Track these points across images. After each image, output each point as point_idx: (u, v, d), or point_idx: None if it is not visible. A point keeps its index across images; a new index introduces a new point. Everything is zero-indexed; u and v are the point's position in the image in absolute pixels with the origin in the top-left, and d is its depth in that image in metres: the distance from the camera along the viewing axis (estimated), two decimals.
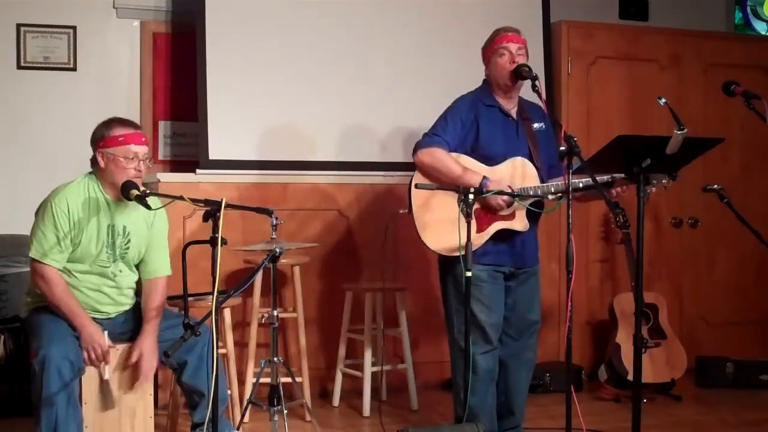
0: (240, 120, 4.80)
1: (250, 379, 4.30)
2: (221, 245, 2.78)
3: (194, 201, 3.03)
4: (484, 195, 3.42)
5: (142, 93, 5.10)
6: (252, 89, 4.83)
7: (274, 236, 3.75)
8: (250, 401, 3.79)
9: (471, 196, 3.24)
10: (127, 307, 3.48)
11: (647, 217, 4.46)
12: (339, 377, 4.65)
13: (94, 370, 3.27)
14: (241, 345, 4.53)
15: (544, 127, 3.73)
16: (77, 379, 3.17)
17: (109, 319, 3.39)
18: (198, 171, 4.70)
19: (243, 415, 3.96)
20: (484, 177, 3.47)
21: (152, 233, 3.48)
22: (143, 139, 3.36)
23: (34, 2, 4.95)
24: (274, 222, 3.59)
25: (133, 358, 3.30)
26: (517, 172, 3.59)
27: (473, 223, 3.32)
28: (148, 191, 3.22)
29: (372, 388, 4.48)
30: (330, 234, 4.87)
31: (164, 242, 3.56)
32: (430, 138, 3.59)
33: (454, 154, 3.57)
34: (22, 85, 4.94)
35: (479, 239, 3.53)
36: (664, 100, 3.11)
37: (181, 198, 3.03)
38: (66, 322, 3.24)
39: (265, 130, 4.86)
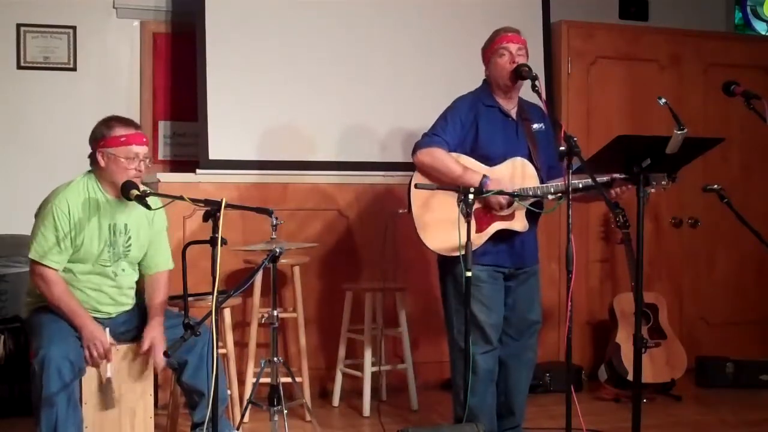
0: (240, 120, 4.80)
1: (250, 379, 4.30)
2: (221, 245, 2.78)
3: (194, 201, 3.03)
4: (484, 195, 3.42)
5: (142, 93, 5.10)
6: (252, 89, 4.83)
7: (274, 236, 3.75)
8: (250, 401, 3.79)
9: (471, 196, 3.24)
10: (127, 307, 3.48)
11: (647, 217, 4.47)
12: (339, 377, 4.65)
13: (94, 370, 3.27)
14: (241, 345, 4.53)
15: (543, 127, 3.73)
16: (77, 379, 3.17)
17: (109, 318, 3.39)
18: (198, 171, 4.70)
19: (243, 415, 3.96)
20: (484, 176, 3.47)
21: (153, 229, 3.49)
22: (144, 140, 3.37)
23: (34, 2, 4.95)
24: (274, 222, 3.59)
25: (145, 347, 3.31)
26: (517, 173, 3.59)
27: (473, 223, 3.31)
28: (148, 191, 3.22)
29: (372, 388, 4.49)
30: (330, 234, 4.87)
31: (165, 237, 3.58)
32: (430, 138, 3.59)
33: (454, 154, 3.57)
34: (22, 85, 4.94)
35: (479, 239, 3.53)
36: (664, 100, 3.11)
37: (181, 198, 3.03)
38: (67, 323, 3.24)
39: (265, 130, 4.86)
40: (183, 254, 2.88)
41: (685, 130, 3.01)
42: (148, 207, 3.15)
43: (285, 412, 3.65)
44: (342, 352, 4.64)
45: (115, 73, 5.09)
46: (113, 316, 3.42)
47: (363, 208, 4.92)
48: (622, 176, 3.34)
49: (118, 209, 3.35)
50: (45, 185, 3.45)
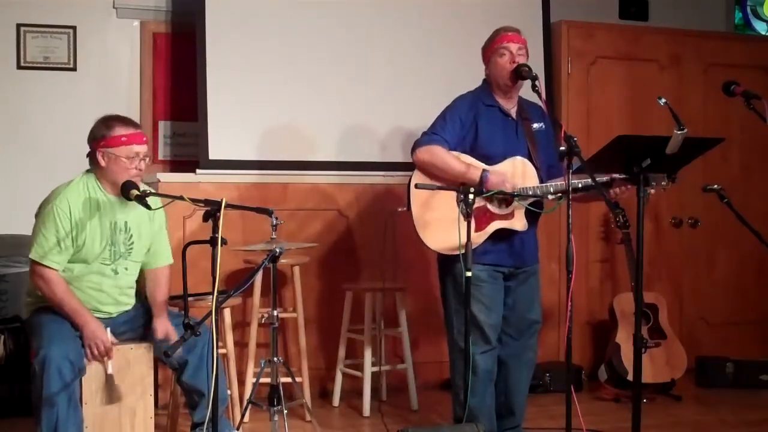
0: (240, 120, 4.80)
1: (250, 379, 4.30)
2: (221, 245, 2.78)
3: (194, 201, 3.03)
4: (484, 195, 3.42)
5: (142, 93, 5.10)
6: (252, 89, 4.83)
7: (274, 236, 3.75)
8: (250, 401, 3.79)
9: (471, 196, 3.24)
10: (128, 307, 3.48)
11: (647, 217, 4.46)
12: (339, 377, 4.65)
13: (95, 370, 3.27)
14: (241, 345, 4.53)
15: (543, 127, 3.73)
16: (78, 379, 3.17)
17: (110, 318, 3.39)
18: (198, 171, 4.70)
19: (243, 415, 3.96)
20: (484, 170, 3.47)
21: (154, 226, 3.50)
22: (144, 139, 3.38)
23: (34, 2, 4.95)
24: (274, 222, 3.59)
25: (161, 335, 3.35)
26: (517, 171, 3.59)
27: (472, 221, 3.31)
28: (148, 191, 3.22)
29: (372, 388, 4.49)
30: (330, 234, 4.87)
31: (165, 232, 3.59)
32: (429, 137, 3.59)
33: (454, 153, 3.57)
34: (22, 85, 4.94)
35: (478, 238, 3.53)
36: (664, 100, 3.11)
37: (181, 198, 3.03)
38: (68, 323, 3.24)
39: (265, 130, 4.86)
40: (183, 254, 2.88)
41: (685, 130, 3.01)
42: (148, 207, 3.16)
43: (285, 412, 3.64)
44: (342, 352, 4.64)
45: (115, 73, 5.09)
46: (114, 315, 3.42)
47: (363, 208, 4.92)
48: (622, 176, 3.34)
49: (118, 208, 3.35)
50: (45, 185, 3.44)
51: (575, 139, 3.07)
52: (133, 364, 3.35)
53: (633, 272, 4.38)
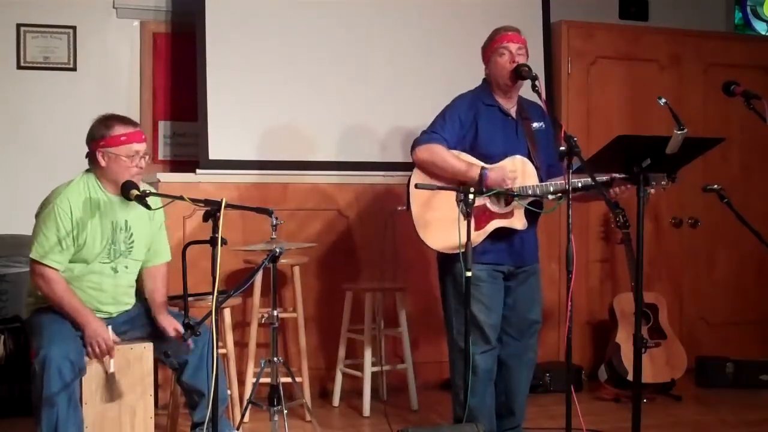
0: (240, 120, 4.80)
1: (250, 379, 4.31)
2: (221, 245, 2.78)
3: (194, 201, 3.03)
4: (484, 194, 3.42)
5: (142, 93, 5.10)
6: (252, 89, 4.83)
7: (274, 236, 3.75)
8: (250, 401, 3.79)
9: (471, 196, 3.24)
10: (128, 307, 3.48)
11: (647, 217, 4.47)
12: (339, 377, 4.65)
13: (95, 370, 3.27)
14: (241, 345, 4.53)
15: (543, 126, 3.73)
16: (78, 379, 3.17)
17: (110, 318, 3.39)
18: (198, 171, 4.70)
19: (243, 415, 3.96)
20: (483, 168, 3.47)
21: (153, 225, 3.50)
22: (143, 137, 3.38)
23: (34, 2, 4.95)
24: (274, 222, 3.59)
25: (172, 333, 3.36)
26: (518, 170, 3.59)
27: (472, 221, 3.31)
28: (148, 191, 3.22)
29: (372, 388, 4.49)
30: (330, 234, 4.87)
31: (164, 230, 3.59)
32: (428, 135, 3.59)
33: (454, 152, 3.57)
34: (22, 85, 4.94)
35: (478, 237, 3.53)
36: (664, 100, 3.11)
37: (181, 198, 3.03)
38: (69, 322, 3.24)
39: (265, 130, 4.86)
40: (183, 254, 2.88)
41: (685, 130, 3.01)
42: (147, 207, 3.16)
43: (285, 412, 3.65)
44: (342, 352, 4.64)
45: (115, 73, 5.09)
46: (114, 315, 3.42)
47: (363, 208, 4.92)
48: (622, 176, 3.35)
49: (118, 207, 3.35)
50: (45, 185, 3.44)
51: (575, 139, 3.07)
52: (133, 363, 3.35)
53: (633, 272, 4.38)
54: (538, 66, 4.83)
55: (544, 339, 4.86)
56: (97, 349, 3.23)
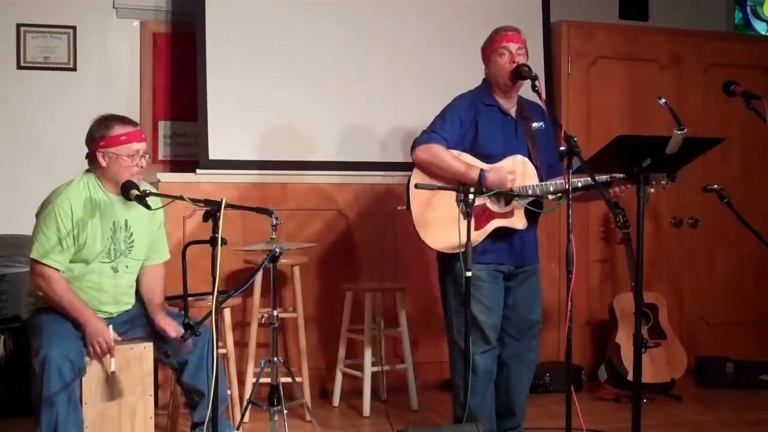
0: (240, 120, 4.80)
1: (250, 379, 4.31)
2: (221, 245, 2.78)
3: (194, 201, 3.03)
4: (484, 194, 3.42)
5: (142, 93, 5.10)
6: (252, 89, 4.83)
7: (274, 236, 3.75)
8: (250, 401, 3.79)
9: (471, 196, 3.24)
10: (128, 307, 3.48)
11: (647, 217, 4.47)
12: (339, 377, 4.65)
13: (95, 370, 3.27)
14: (241, 345, 4.53)
15: (543, 126, 3.73)
16: (78, 379, 3.17)
17: (110, 318, 3.39)
18: (198, 171, 4.70)
19: (243, 415, 3.96)
20: (482, 170, 3.47)
21: (153, 224, 3.51)
22: (143, 136, 3.38)
23: (34, 2, 4.95)
24: (274, 222, 3.59)
25: (173, 333, 3.34)
26: (517, 170, 3.59)
27: (471, 220, 3.31)
28: (148, 191, 3.22)
29: (372, 388, 4.49)
30: (330, 234, 4.87)
31: (163, 229, 3.60)
32: (428, 135, 3.59)
33: (454, 152, 3.57)
34: (22, 85, 4.94)
35: (478, 236, 3.53)
36: (664, 100, 3.11)
37: (181, 198, 3.03)
38: (69, 323, 3.24)
39: (265, 130, 4.86)
40: (183, 254, 2.88)
41: (685, 130, 3.01)
42: (147, 207, 3.15)
43: (285, 412, 3.65)
44: (342, 352, 4.64)
45: (115, 73, 5.09)
46: (114, 315, 3.42)
47: (363, 208, 4.92)
48: (621, 176, 3.35)
49: (119, 206, 3.36)
50: (45, 185, 3.44)
51: (575, 139, 3.07)
52: (133, 363, 3.35)
53: (633, 272, 4.38)
54: (538, 66, 4.83)
55: (544, 339, 4.84)
56: (98, 349, 3.23)
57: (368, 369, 4.45)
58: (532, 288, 3.75)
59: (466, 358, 3.36)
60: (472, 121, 3.61)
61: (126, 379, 3.32)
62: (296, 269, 4.42)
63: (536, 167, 3.61)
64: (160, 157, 5.10)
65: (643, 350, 4.16)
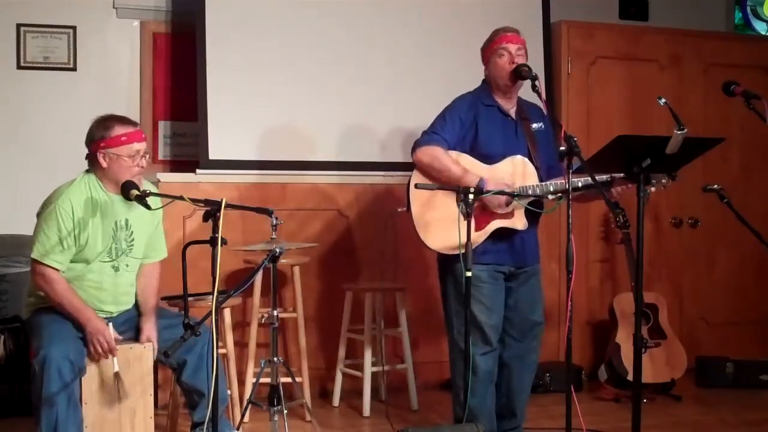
0: (240, 120, 4.80)
1: (250, 379, 4.30)
2: (221, 245, 2.78)
3: (194, 201, 3.03)
4: (483, 194, 3.42)
5: (142, 93, 5.10)
6: (252, 89, 4.83)
7: (274, 236, 3.75)
8: (250, 401, 3.79)
9: (471, 196, 3.24)
10: (128, 306, 3.48)
11: (647, 217, 4.46)
12: (339, 377, 4.65)
13: (95, 370, 3.27)
14: (241, 345, 4.53)
15: (543, 127, 3.73)
16: (77, 379, 3.17)
17: (110, 318, 3.39)
18: (198, 171, 4.70)
19: (243, 415, 3.96)
20: (481, 179, 3.47)
21: (153, 222, 3.51)
22: (143, 136, 3.38)
23: (34, 2, 4.95)
24: (274, 222, 3.59)
25: (144, 340, 3.37)
26: (518, 171, 3.59)
27: (472, 221, 3.31)
28: (148, 191, 3.22)
29: (372, 388, 4.49)
30: (330, 234, 4.87)
31: (161, 227, 3.60)
32: (429, 136, 3.59)
33: (453, 153, 3.56)
34: (22, 85, 4.94)
35: (478, 237, 3.53)
36: (664, 100, 3.11)
37: (181, 198, 3.03)
38: (70, 323, 3.24)
39: (265, 130, 4.86)
40: (183, 254, 2.88)
41: (685, 130, 3.01)
42: (147, 207, 3.16)
43: (285, 412, 3.65)
44: (342, 352, 4.64)
45: (115, 73, 5.09)
46: (114, 315, 3.42)
47: (363, 208, 4.92)
48: (622, 176, 3.35)
49: (120, 206, 3.36)
50: (45, 185, 3.45)
51: (575, 139, 3.07)
52: (133, 363, 3.35)
53: (633, 272, 4.38)
54: (538, 66, 4.83)
55: (544, 339, 4.78)
56: (99, 348, 3.23)
57: (368, 369, 4.45)
58: (534, 289, 3.75)
59: (466, 358, 3.36)
60: (472, 122, 3.61)
61: (126, 379, 3.32)
62: (296, 269, 4.42)
63: (536, 167, 3.61)
64: (160, 157, 5.10)
65: (643, 350, 4.16)
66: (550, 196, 3.54)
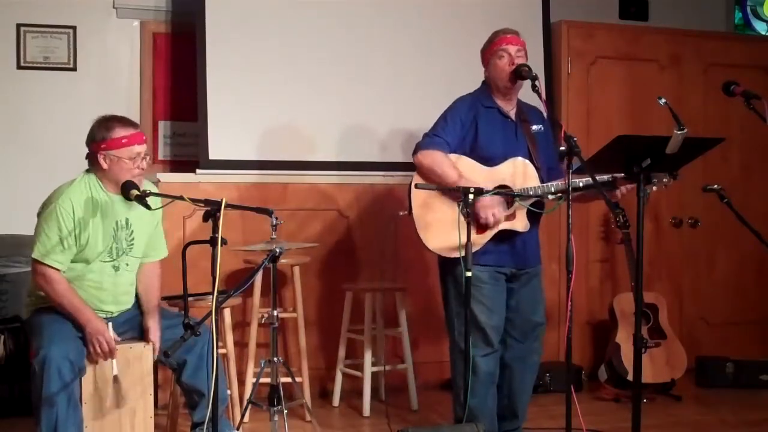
0: (240, 120, 4.80)
1: (250, 379, 4.30)
2: (221, 245, 2.78)
3: (194, 201, 3.03)
4: (484, 194, 3.41)
5: (142, 93, 5.10)
6: (252, 89, 4.83)
7: (274, 236, 3.75)
8: (250, 401, 3.79)
9: (471, 197, 3.24)
10: (128, 306, 3.48)
11: (647, 217, 4.47)
12: (339, 377, 4.65)
13: (95, 370, 3.27)
14: (241, 345, 4.53)
15: (542, 129, 3.73)
16: (77, 379, 3.17)
17: (111, 318, 3.39)
18: (198, 171, 4.70)
19: (243, 415, 3.96)
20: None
21: (153, 222, 3.51)
22: (144, 138, 3.38)
23: (34, 2, 4.95)
24: (274, 222, 3.59)
25: (153, 338, 3.39)
26: (518, 172, 3.59)
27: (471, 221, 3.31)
28: (148, 191, 3.22)
29: (372, 388, 4.49)
30: (330, 234, 4.87)
31: (161, 226, 3.60)
32: (431, 139, 3.59)
33: (453, 156, 3.56)
34: (22, 85, 4.94)
35: (480, 240, 3.53)
36: (664, 100, 3.11)
37: (181, 198, 3.03)
38: (70, 323, 3.24)
39: (265, 130, 4.86)
40: (183, 254, 2.88)
41: (685, 130, 3.02)
42: (147, 207, 3.16)
43: (285, 412, 3.65)
44: (342, 352, 4.64)
45: (115, 73, 5.09)
46: (114, 315, 3.42)
47: (363, 209, 4.92)
48: (622, 175, 3.35)
49: (120, 206, 3.35)
50: (45, 185, 3.44)
51: (575, 139, 3.07)
52: (133, 363, 3.35)
53: (633, 272, 4.38)
54: (538, 66, 4.83)
55: (544, 339, 4.82)
56: (99, 348, 3.23)
57: (368, 369, 4.45)
58: (535, 290, 3.75)
59: (466, 358, 3.36)
60: (472, 123, 3.61)
61: (126, 379, 3.32)
62: (296, 269, 4.42)
63: (537, 168, 3.61)
64: (160, 157, 5.10)
65: (643, 350, 4.16)
66: (550, 197, 3.54)
